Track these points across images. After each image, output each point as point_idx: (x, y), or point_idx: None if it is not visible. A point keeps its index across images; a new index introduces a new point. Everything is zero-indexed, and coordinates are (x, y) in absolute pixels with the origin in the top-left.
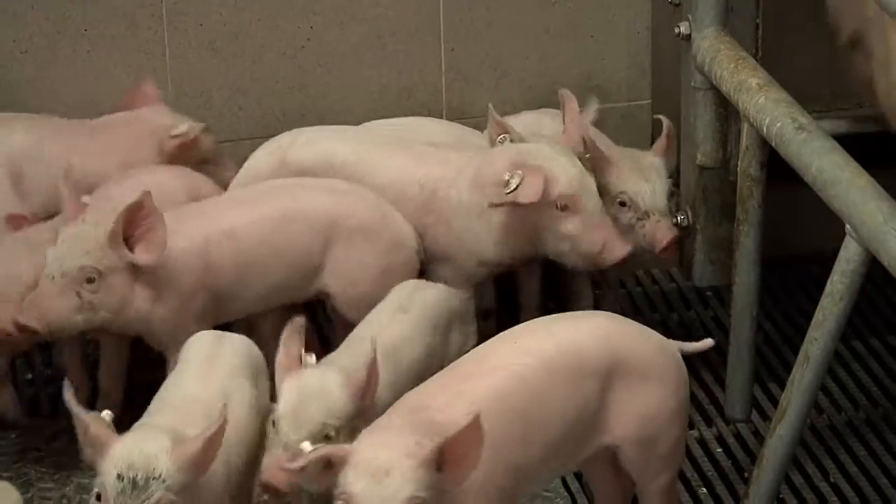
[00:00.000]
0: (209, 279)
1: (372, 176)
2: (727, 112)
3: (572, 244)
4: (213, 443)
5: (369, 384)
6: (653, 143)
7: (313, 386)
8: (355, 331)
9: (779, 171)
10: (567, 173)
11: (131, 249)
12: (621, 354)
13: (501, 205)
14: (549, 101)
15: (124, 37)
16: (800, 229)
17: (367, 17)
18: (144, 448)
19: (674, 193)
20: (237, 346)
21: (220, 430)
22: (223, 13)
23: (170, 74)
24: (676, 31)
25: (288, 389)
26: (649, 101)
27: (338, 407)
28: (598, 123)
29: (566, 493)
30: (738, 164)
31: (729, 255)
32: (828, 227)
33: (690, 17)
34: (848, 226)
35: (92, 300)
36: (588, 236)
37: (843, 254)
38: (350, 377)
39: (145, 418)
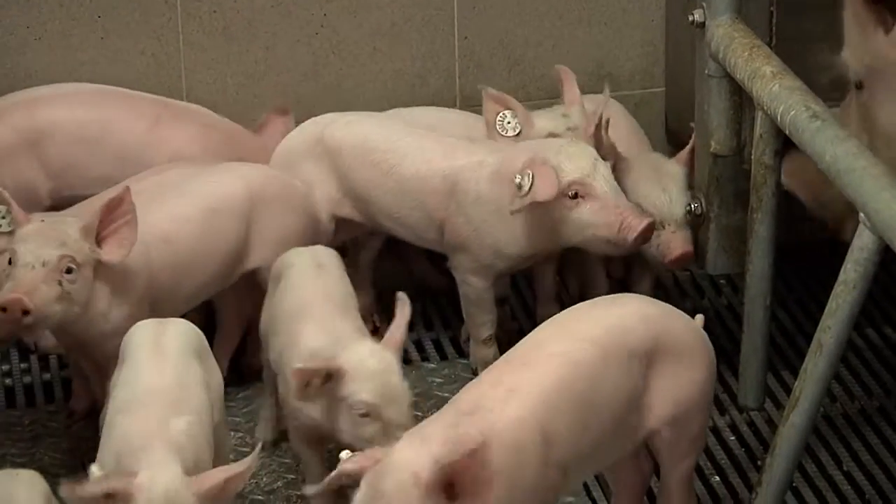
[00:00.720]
0: (152, 284)
1: (400, 166)
2: (741, 100)
3: (592, 230)
4: (233, 482)
5: None
6: (667, 131)
7: None
8: None
9: None
10: (573, 161)
11: (99, 245)
12: (661, 336)
13: (521, 209)
14: None
15: (138, 23)
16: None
17: (380, 4)
18: (167, 489)
19: (690, 204)
20: (180, 329)
21: (246, 473)
22: (237, 0)
23: (183, 61)
24: (690, 18)
25: None
26: (663, 88)
27: None
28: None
29: (585, 496)
30: (752, 152)
31: (742, 243)
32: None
33: (705, 4)
34: (862, 214)
35: (70, 291)
36: (605, 219)
37: (856, 242)
38: None
39: (113, 415)
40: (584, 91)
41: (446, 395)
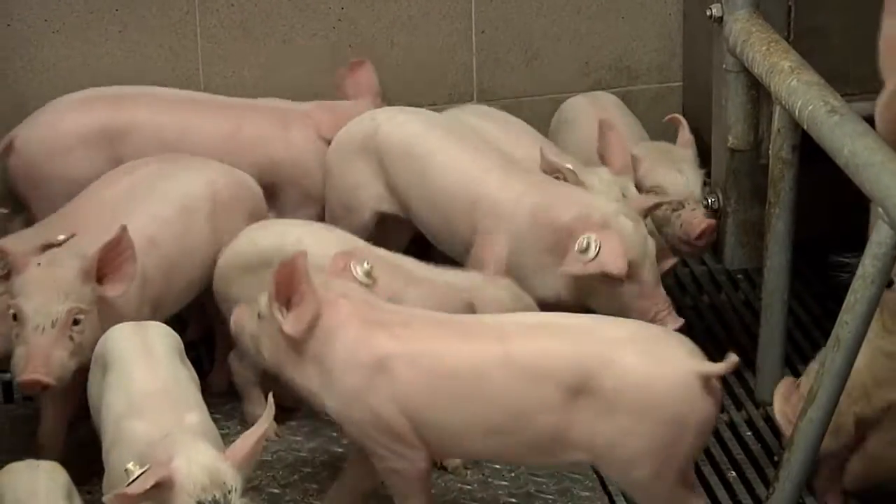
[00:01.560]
0: (146, 288)
1: (433, 177)
2: (759, 94)
3: (625, 310)
4: (261, 441)
5: None
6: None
7: None
8: None
9: (811, 153)
10: (631, 238)
11: (100, 282)
12: (597, 374)
13: (583, 273)
14: (580, 82)
15: (155, 17)
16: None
17: None
18: (206, 465)
19: (706, 182)
20: (161, 331)
21: (268, 430)
22: None
23: (201, 54)
24: (708, 12)
25: None
26: (680, 83)
27: None
28: (629, 105)
29: (604, 494)
30: (770, 146)
31: (760, 238)
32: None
33: None
34: (880, 209)
35: (81, 341)
36: (641, 305)
37: (874, 237)
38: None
39: (118, 421)
40: (602, 85)
41: None
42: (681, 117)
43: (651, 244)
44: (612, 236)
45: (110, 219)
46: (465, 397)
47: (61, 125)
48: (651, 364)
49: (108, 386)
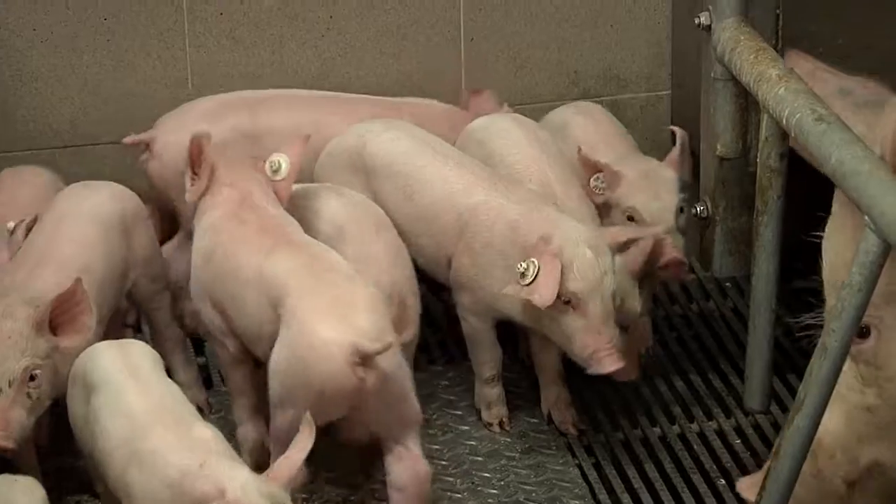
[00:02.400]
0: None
1: (419, 194)
2: (747, 103)
3: (566, 342)
4: (302, 458)
5: None
6: (672, 135)
7: None
8: None
9: (798, 161)
10: (584, 268)
11: (54, 332)
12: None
13: (516, 297)
14: (569, 91)
15: (144, 25)
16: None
17: (386, 6)
18: (262, 490)
19: (683, 209)
20: (143, 349)
21: (308, 445)
22: (243, 2)
23: (190, 64)
24: (696, 21)
25: None
26: (669, 91)
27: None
28: (617, 114)
29: (584, 484)
30: (758, 155)
31: (748, 246)
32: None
33: (711, 7)
34: (867, 217)
35: (39, 395)
36: (582, 340)
37: (862, 245)
38: None
39: (136, 444)
40: (591, 94)
41: (452, 397)
42: (681, 132)
43: (609, 280)
44: (553, 265)
45: (43, 250)
46: (231, 298)
47: (197, 128)
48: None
49: (100, 410)
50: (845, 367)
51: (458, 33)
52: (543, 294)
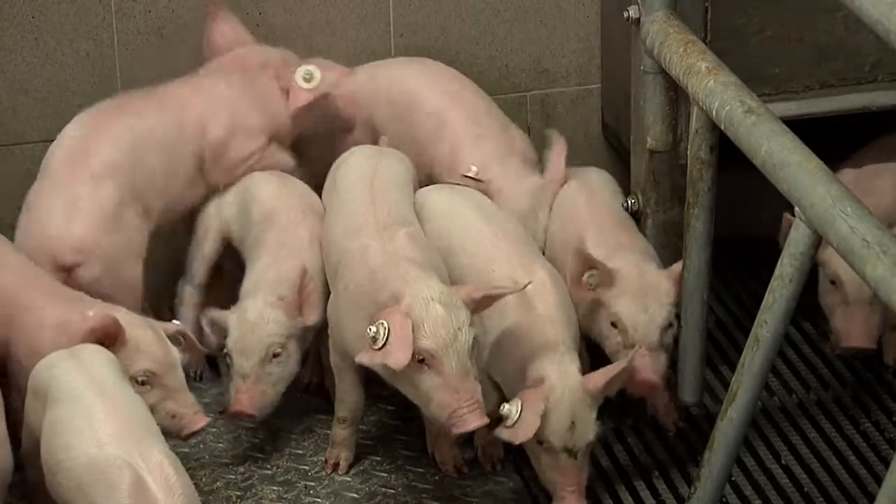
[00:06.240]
0: None
1: (330, 228)
2: (677, 95)
3: (425, 402)
4: None
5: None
6: (603, 127)
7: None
8: None
9: (729, 154)
10: (436, 327)
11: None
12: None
13: (371, 364)
14: (499, 86)
15: (72, 23)
16: (750, 212)
17: (316, 2)
18: None
19: (672, 325)
20: (104, 357)
21: None
22: (171, 0)
23: (118, 61)
24: (626, 14)
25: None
26: (599, 85)
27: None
28: (547, 107)
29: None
30: (688, 147)
31: (680, 239)
32: (777, 210)
33: (640, 0)
34: (797, 208)
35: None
36: (439, 399)
37: (792, 236)
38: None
39: (88, 470)
40: (521, 88)
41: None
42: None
43: (464, 336)
44: (403, 329)
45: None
46: None
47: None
48: None
49: (59, 424)
50: None
51: (388, 28)
52: (397, 356)
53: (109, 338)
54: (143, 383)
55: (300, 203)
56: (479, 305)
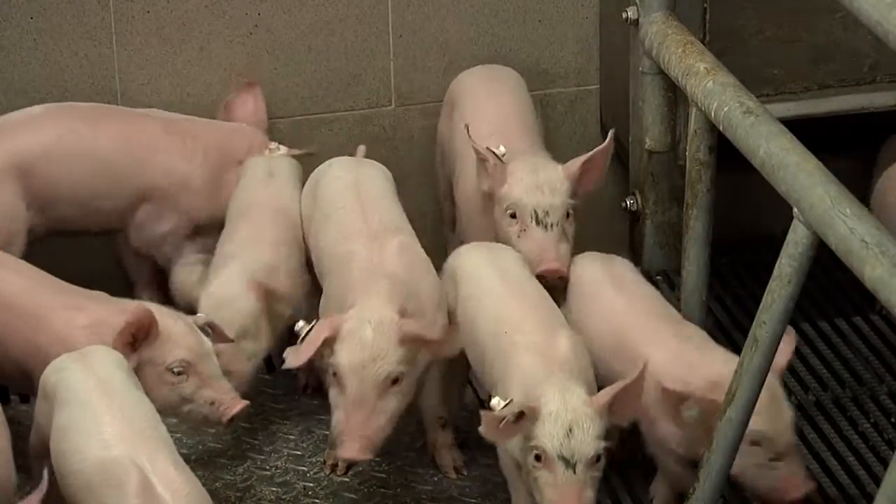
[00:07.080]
0: None
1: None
2: (675, 96)
3: (332, 409)
4: None
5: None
6: (602, 127)
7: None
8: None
9: (728, 154)
10: (352, 348)
11: None
12: None
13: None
14: None
15: (70, 24)
16: (748, 213)
17: (315, 2)
18: None
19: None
20: (112, 357)
21: None
22: (170, 0)
23: (117, 62)
24: (624, 15)
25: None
26: (597, 85)
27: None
28: (546, 108)
29: None
30: (687, 148)
31: (678, 240)
32: (776, 210)
33: (638, 1)
34: (795, 209)
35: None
36: (336, 416)
37: (790, 237)
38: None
39: (96, 474)
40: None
41: None
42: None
43: (379, 367)
44: (320, 333)
45: None
46: None
47: None
48: None
49: (68, 426)
50: None
51: (387, 29)
52: (291, 357)
53: (143, 330)
54: (179, 373)
55: None
56: (412, 341)
